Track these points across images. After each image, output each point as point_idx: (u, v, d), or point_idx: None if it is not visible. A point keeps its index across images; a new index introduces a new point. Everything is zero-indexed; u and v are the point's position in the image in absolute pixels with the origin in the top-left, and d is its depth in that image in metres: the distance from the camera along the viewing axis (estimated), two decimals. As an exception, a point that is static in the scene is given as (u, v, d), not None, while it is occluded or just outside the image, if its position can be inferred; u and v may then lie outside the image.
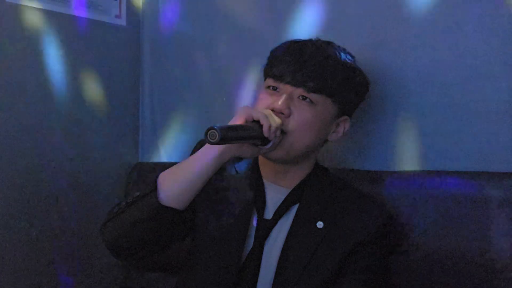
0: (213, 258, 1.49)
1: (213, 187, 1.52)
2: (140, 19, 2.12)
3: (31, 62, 1.81)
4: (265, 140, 1.41)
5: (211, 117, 1.98)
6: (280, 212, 1.50)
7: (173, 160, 1.96)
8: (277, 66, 1.49)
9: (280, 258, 1.47)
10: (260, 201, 1.51)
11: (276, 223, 1.50)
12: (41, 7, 1.82)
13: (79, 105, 1.93)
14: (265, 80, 1.54)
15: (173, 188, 1.40)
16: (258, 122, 1.40)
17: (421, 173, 1.64)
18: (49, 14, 1.84)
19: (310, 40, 1.53)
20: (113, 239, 1.44)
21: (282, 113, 1.44)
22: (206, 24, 2.02)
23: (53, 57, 1.86)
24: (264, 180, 1.54)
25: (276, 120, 1.41)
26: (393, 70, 1.70)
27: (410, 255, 1.59)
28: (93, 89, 1.97)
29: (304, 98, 1.46)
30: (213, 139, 1.29)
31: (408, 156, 1.69)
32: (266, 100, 1.48)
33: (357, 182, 1.63)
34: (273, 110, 1.44)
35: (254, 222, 1.50)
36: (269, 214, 1.51)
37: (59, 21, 1.87)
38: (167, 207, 1.39)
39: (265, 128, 1.38)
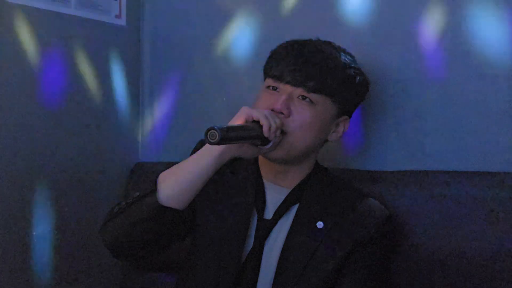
0: (213, 258, 1.49)
1: (213, 187, 1.52)
2: (140, 19, 2.12)
3: (31, 62, 1.81)
4: (265, 140, 1.41)
5: (211, 117, 1.98)
6: (280, 212, 1.50)
7: (173, 160, 1.94)
8: (277, 66, 1.49)
9: (280, 258, 1.47)
10: (260, 201, 1.51)
11: (276, 223, 1.50)
12: (41, 7, 1.82)
13: (79, 105, 1.93)
14: (265, 80, 1.54)
15: (173, 188, 1.40)
16: (258, 122, 1.40)
17: (421, 173, 1.64)
18: (49, 14, 1.84)
19: (310, 40, 1.53)
20: (113, 239, 1.44)
21: (282, 113, 1.44)
22: (206, 24, 2.02)
23: (53, 57, 1.86)
24: (264, 180, 1.54)
25: (276, 120, 1.41)
26: (393, 70, 1.70)
27: (410, 255, 1.59)
28: (93, 89, 1.97)
29: (304, 98, 1.46)
30: (213, 139, 1.29)
31: (408, 156, 1.69)
32: (266, 100, 1.48)
33: (357, 182, 1.63)
34: (273, 110, 1.44)
35: (254, 222, 1.50)
36: (269, 214, 1.51)
37: (59, 21, 1.87)
38: (167, 207, 1.39)
39: (265, 128, 1.38)
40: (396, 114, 1.70)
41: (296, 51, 1.48)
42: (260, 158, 1.56)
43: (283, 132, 1.44)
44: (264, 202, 1.52)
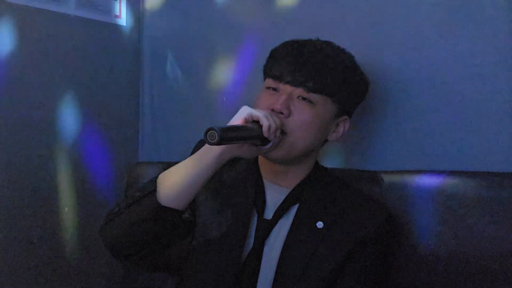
0: (213, 258, 1.49)
1: (213, 187, 1.52)
2: (140, 19, 2.12)
3: (30, 62, 1.81)
4: (265, 140, 1.41)
5: (211, 117, 1.98)
6: (280, 212, 1.50)
7: (173, 160, 1.95)
8: (276, 66, 1.49)
9: (280, 258, 1.47)
10: (260, 201, 1.51)
11: (276, 223, 1.50)
12: (41, 7, 1.82)
13: (78, 105, 1.93)
14: (264, 80, 1.54)
15: (173, 188, 1.40)
16: (258, 122, 1.40)
17: (421, 173, 1.64)
18: (49, 14, 1.84)
19: (309, 40, 1.53)
20: (113, 239, 1.44)
21: (282, 113, 1.44)
22: (206, 24, 2.02)
23: (53, 57, 1.86)
24: (264, 180, 1.54)
25: (276, 120, 1.41)
26: (393, 70, 1.71)
27: (410, 255, 1.59)
28: (93, 89, 1.97)
29: (304, 98, 1.46)
30: (213, 140, 1.29)
31: (408, 156, 1.69)
32: (266, 100, 1.48)
33: (357, 182, 1.64)
34: (273, 110, 1.44)
35: (254, 222, 1.50)
36: (269, 214, 1.51)
37: (60, 21, 1.87)
38: (167, 208, 1.39)
39: (265, 128, 1.38)
40: (396, 114, 1.70)
41: (296, 51, 1.48)
42: (260, 158, 1.56)
43: (283, 132, 1.44)
44: (264, 202, 1.52)
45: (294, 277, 1.44)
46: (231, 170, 1.56)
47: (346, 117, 1.55)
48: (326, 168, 1.60)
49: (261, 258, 1.48)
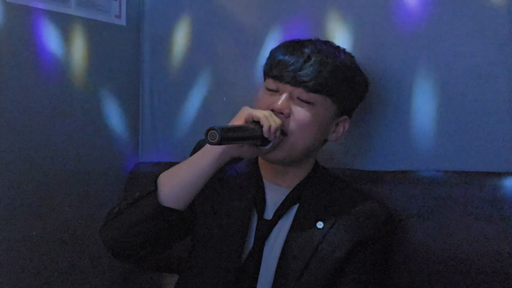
0: (213, 258, 1.49)
1: (213, 187, 1.52)
2: (140, 19, 2.12)
3: (31, 62, 1.81)
4: (265, 141, 1.41)
5: (211, 117, 1.98)
6: (280, 212, 1.50)
7: (173, 160, 1.95)
8: (276, 66, 1.48)
9: (280, 258, 1.47)
10: (260, 201, 1.51)
11: (276, 223, 1.50)
12: (41, 7, 1.82)
13: (79, 105, 1.93)
14: (264, 80, 1.54)
15: (173, 189, 1.40)
16: (258, 122, 1.40)
17: (421, 173, 1.64)
18: (49, 14, 1.84)
19: (309, 40, 1.53)
20: (113, 239, 1.44)
21: (282, 113, 1.45)
22: (206, 24, 2.02)
23: (53, 57, 1.86)
24: (264, 180, 1.54)
25: (276, 121, 1.41)
26: (393, 70, 1.70)
27: (410, 255, 1.59)
28: (93, 89, 1.97)
29: (304, 98, 1.46)
30: (213, 140, 1.30)
31: (408, 156, 1.69)
32: (266, 100, 1.48)
33: (357, 182, 1.64)
34: (272, 110, 1.44)
35: (254, 222, 1.50)
36: (269, 214, 1.51)
37: (59, 21, 1.87)
38: (167, 208, 1.39)
39: (265, 129, 1.38)
40: (396, 114, 1.70)
41: (295, 51, 1.48)
42: (260, 158, 1.56)
43: (283, 133, 1.44)
44: (264, 202, 1.52)
45: (294, 277, 1.44)
46: (231, 170, 1.56)
47: (346, 117, 1.55)
48: (326, 168, 1.60)
49: (261, 258, 1.48)
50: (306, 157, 1.52)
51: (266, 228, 1.49)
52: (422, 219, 1.58)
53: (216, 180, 1.50)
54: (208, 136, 1.30)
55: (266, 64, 1.54)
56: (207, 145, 1.39)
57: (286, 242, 1.48)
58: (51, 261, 1.86)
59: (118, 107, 2.06)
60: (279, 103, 1.45)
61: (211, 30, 2.00)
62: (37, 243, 1.82)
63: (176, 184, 1.40)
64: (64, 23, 1.89)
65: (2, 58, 1.74)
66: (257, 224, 1.50)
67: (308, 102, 1.46)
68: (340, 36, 1.74)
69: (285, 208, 1.51)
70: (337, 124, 1.54)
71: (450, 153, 1.64)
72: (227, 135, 1.31)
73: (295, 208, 1.51)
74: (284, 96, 1.46)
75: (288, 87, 1.47)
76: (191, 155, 1.52)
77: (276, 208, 1.51)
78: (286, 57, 1.48)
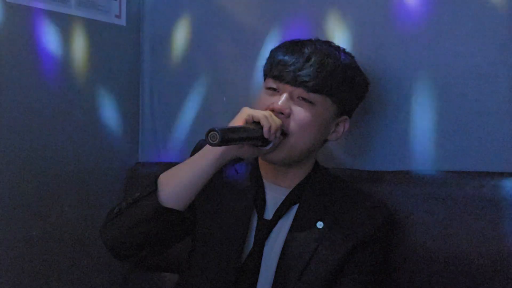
0: (213, 258, 1.49)
1: (213, 187, 1.52)
2: (140, 19, 2.12)
3: (31, 62, 1.81)
4: (265, 141, 1.41)
5: (211, 117, 1.98)
6: (280, 212, 1.50)
7: (173, 160, 1.96)
8: (276, 66, 1.48)
9: (280, 259, 1.47)
10: (260, 201, 1.51)
11: (276, 223, 1.50)
12: (41, 7, 1.82)
13: (79, 105, 1.93)
14: (264, 80, 1.54)
15: (173, 189, 1.40)
16: (258, 123, 1.40)
17: (421, 173, 1.64)
18: (49, 14, 1.84)
19: (309, 40, 1.53)
20: (113, 239, 1.44)
21: (282, 113, 1.45)
22: (206, 24, 2.02)
23: (53, 57, 1.86)
24: (264, 180, 1.54)
25: (276, 121, 1.41)
26: (393, 70, 1.70)
27: (410, 255, 1.59)
28: (93, 89, 1.97)
29: (304, 98, 1.46)
30: (214, 141, 1.30)
31: (408, 156, 1.69)
32: (266, 100, 1.48)
33: (357, 182, 1.64)
34: (273, 111, 1.44)
35: (254, 223, 1.50)
36: (269, 214, 1.51)
37: (59, 21, 1.87)
38: (167, 208, 1.39)
39: (265, 129, 1.38)
40: (396, 114, 1.70)
41: (295, 51, 1.48)
42: (260, 158, 1.56)
43: (283, 133, 1.44)
44: (264, 202, 1.52)
45: (294, 277, 1.44)
46: (231, 170, 1.56)
47: (346, 117, 1.55)
48: (326, 168, 1.60)
49: (261, 258, 1.48)
50: (306, 157, 1.52)
51: (266, 228, 1.49)
52: (422, 219, 1.58)
53: (216, 180, 1.50)
54: (209, 137, 1.30)
55: (266, 64, 1.54)
56: (208, 146, 1.39)
57: (286, 242, 1.47)
58: (51, 261, 1.86)
59: (118, 107, 2.06)
60: (279, 103, 1.45)
61: (211, 30, 2.00)
62: (37, 243, 1.82)
63: (177, 185, 1.40)
64: (64, 23, 1.89)
65: (2, 58, 1.74)
66: (257, 224, 1.50)
67: (308, 102, 1.46)
68: (340, 36, 1.74)
69: (285, 208, 1.51)
70: (337, 124, 1.54)
71: (450, 153, 1.64)
72: (228, 136, 1.31)
73: (295, 208, 1.51)
74: (284, 96, 1.46)
75: (288, 87, 1.47)
76: (191, 155, 1.52)
77: (276, 208, 1.51)
78: (286, 57, 1.48)
